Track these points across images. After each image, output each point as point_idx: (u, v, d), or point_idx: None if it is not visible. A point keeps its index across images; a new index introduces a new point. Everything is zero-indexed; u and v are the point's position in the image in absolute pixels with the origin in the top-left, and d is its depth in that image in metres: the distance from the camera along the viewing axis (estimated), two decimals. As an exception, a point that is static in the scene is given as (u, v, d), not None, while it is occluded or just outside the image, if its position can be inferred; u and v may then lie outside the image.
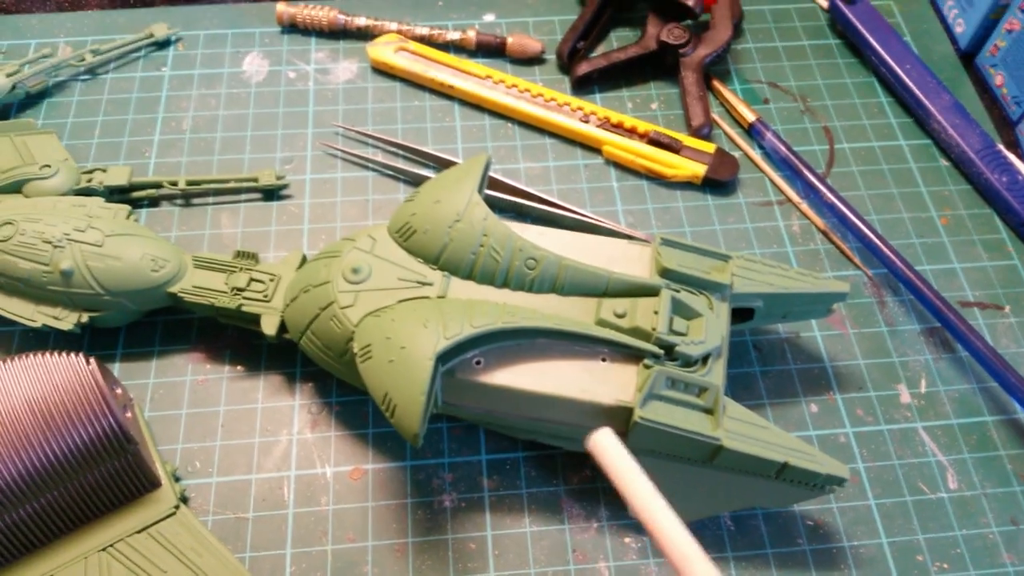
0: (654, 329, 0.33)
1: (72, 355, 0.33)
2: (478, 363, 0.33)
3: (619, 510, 0.36)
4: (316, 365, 0.40)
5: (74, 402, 0.32)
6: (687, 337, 0.34)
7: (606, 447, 0.28)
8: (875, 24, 0.53)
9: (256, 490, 0.37)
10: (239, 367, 0.40)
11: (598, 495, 0.37)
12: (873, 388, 0.41)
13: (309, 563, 0.35)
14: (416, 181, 0.47)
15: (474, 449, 0.38)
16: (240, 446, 0.38)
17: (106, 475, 0.33)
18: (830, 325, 0.42)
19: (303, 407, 0.39)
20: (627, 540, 0.36)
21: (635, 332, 0.34)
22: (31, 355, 0.33)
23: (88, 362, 0.33)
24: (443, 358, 0.32)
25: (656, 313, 0.34)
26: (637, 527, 0.36)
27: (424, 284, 0.35)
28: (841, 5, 0.53)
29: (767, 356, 0.41)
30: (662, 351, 0.33)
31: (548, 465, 0.38)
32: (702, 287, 0.35)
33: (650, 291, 0.35)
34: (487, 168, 0.38)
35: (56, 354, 0.33)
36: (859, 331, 0.42)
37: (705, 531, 0.36)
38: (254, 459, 0.38)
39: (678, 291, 0.35)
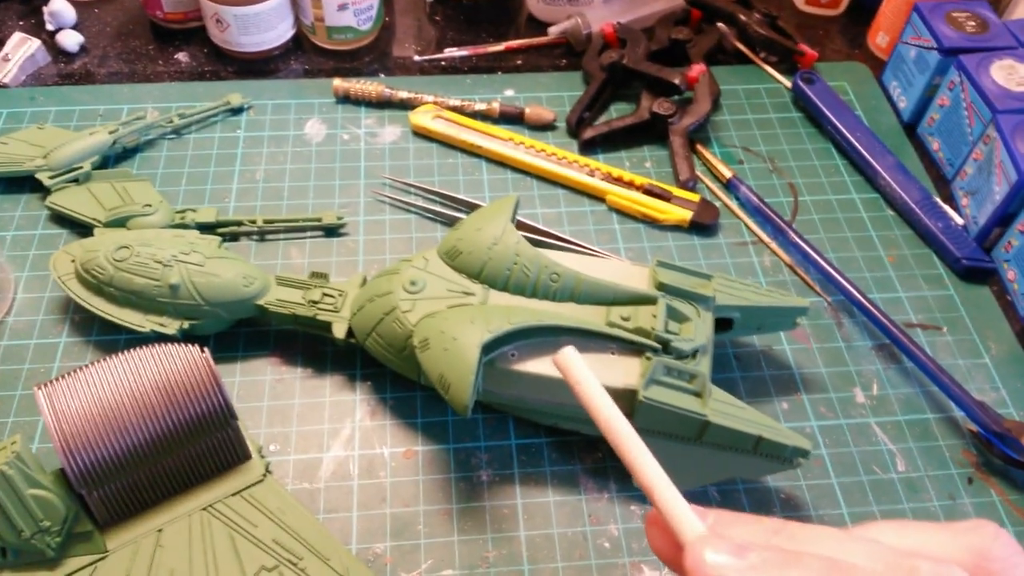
0: (653, 329, 0.42)
1: (189, 346, 0.41)
2: (513, 355, 0.42)
3: (627, 484, 0.44)
4: (373, 367, 0.48)
5: (191, 383, 0.40)
6: (680, 336, 0.42)
7: (572, 362, 0.31)
8: (831, 100, 0.63)
9: (325, 465, 0.44)
10: (309, 369, 0.48)
11: (608, 472, 0.45)
12: (833, 391, 0.49)
13: (371, 523, 0.43)
14: (452, 222, 0.56)
15: (505, 435, 0.46)
16: (312, 431, 0.46)
17: (211, 445, 0.41)
18: (796, 340, 0.51)
19: (363, 401, 0.47)
20: (633, 508, 0.44)
21: (638, 331, 0.42)
22: (156, 345, 0.41)
23: (202, 351, 0.41)
24: (485, 350, 0.41)
25: (655, 317, 0.43)
26: (641, 497, 0.44)
27: (468, 294, 0.44)
28: (802, 85, 0.64)
29: (745, 364, 0.50)
30: (660, 346, 0.42)
31: (567, 448, 0.46)
32: (690, 298, 0.44)
33: (649, 300, 0.44)
34: (517, 205, 0.47)
35: (176, 345, 0.41)
36: (821, 345, 0.51)
37: (694, 500, 0.44)
38: (324, 441, 0.45)
39: (671, 301, 0.44)
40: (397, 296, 0.44)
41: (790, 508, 0.44)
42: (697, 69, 0.62)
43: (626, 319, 0.43)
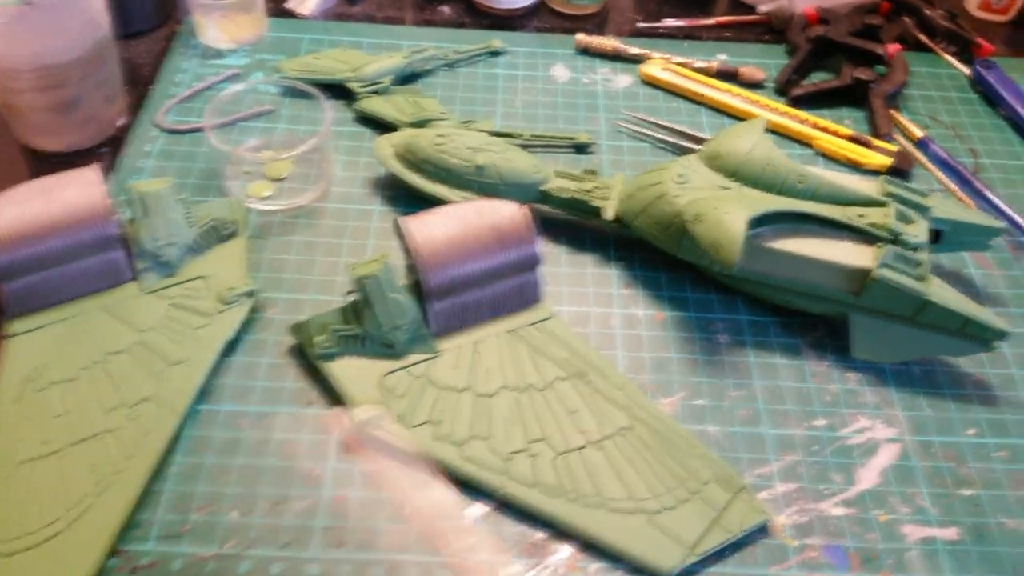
0: (885, 224, 0.52)
1: (514, 203, 0.52)
2: (765, 235, 0.52)
3: (844, 354, 0.53)
4: (624, 250, 0.58)
5: (515, 230, 0.51)
6: (907, 231, 0.52)
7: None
8: (1008, 84, 0.72)
9: (592, 318, 0.55)
10: (571, 248, 0.59)
11: (828, 346, 0.54)
12: (1013, 307, 0.57)
13: (632, 361, 0.53)
14: (680, 152, 0.66)
15: (738, 311, 0.56)
16: (579, 292, 0.56)
17: (518, 284, 0.52)
18: (981, 265, 0.60)
19: (618, 276, 0.58)
20: (848, 375, 0.53)
21: (872, 226, 0.52)
22: (490, 199, 0.52)
23: (521, 207, 0.52)
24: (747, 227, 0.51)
25: (886, 216, 0.52)
26: (857, 366, 0.53)
27: (726, 188, 0.54)
28: (982, 70, 0.73)
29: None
30: (891, 238, 0.51)
31: (791, 326, 0.55)
32: (914, 207, 0.54)
33: (880, 204, 0.53)
34: (764, 125, 0.57)
35: (505, 200, 0.52)
36: (1003, 273, 0.59)
37: (902, 375, 0.53)
38: (589, 299, 0.56)
39: (899, 206, 0.53)
40: (667, 185, 0.54)
41: (981, 387, 0.53)
42: (893, 47, 0.71)
43: (861, 216, 0.52)
